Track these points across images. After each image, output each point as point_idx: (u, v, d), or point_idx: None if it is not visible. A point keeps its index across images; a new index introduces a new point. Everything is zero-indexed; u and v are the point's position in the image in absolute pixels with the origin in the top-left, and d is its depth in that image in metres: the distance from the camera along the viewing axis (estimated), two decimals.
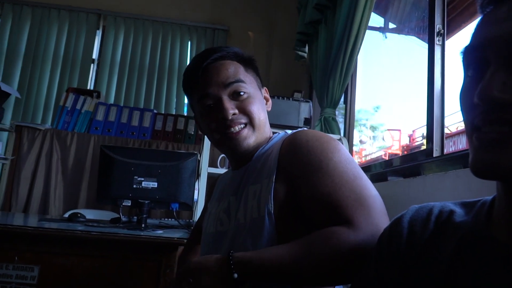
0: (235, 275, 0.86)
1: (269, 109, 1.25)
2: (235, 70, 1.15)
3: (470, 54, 0.60)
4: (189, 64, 1.22)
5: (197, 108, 1.19)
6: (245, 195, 1.10)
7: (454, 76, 1.95)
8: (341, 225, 0.89)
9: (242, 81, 1.14)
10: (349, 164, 0.99)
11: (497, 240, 0.59)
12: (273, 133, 1.25)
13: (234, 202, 1.15)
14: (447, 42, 1.95)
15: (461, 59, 0.62)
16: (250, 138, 1.14)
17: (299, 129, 1.14)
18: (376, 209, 0.91)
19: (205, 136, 2.38)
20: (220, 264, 0.89)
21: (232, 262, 0.87)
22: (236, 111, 1.11)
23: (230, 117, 1.10)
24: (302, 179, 0.99)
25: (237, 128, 1.12)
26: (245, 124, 1.13)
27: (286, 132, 1.19)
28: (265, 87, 1.27)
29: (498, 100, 0.53)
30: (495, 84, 0.53)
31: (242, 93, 1.13)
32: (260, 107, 1.16)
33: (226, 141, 1.14)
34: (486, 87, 0.54)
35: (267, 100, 1.25)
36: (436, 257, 0.65)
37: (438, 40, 1.94)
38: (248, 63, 1.21)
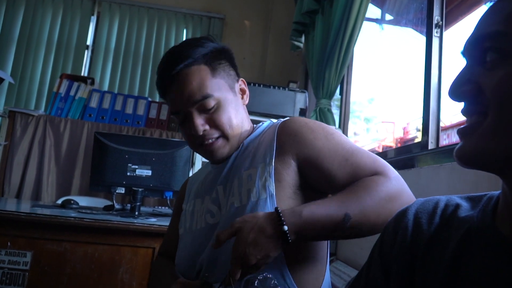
0: (285, 228, 0.89)
1: (246, 102, 1.23)
2: (200, 81, 1.10)
3: (464, 57, 0.63)
4: (158, 71, 1.17)
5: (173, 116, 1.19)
6: (238, 180, 1.11)
7: (451, 68, 1.95)
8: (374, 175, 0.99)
9: (208, 96, 1.10)
10: (346, 138, 1.09)
11: (502, 234, 0.59)
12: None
13: (222, 191, 1.15)
14: (444, 34, 1.95)
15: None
16: (224, 148, 1.15)
17: (288, 117, 1.18)
18: (386, 163, 1.03)
19: None
20: (269, 218, 0.91)
21: (282, 215, 0.90)
22: (207, 126, 1.11)
23: (201, 133, 1.10)
24: (314, 156, 1.04)
25: (210, 140, 1.13)
26: (218, 137, 1.13)
27: (271, 121, 1.22)
28: (241, 79, 1.23)
29: (464, 93, 0.59)
30: (463, 79, 0.59)
31: (210, 108, 1.11)
32: (233, 111, 1.15)
33: (202, 152, 1.17)
34: (453, 83, 0.60)
35: (243, 93, 1.23)
36: (441, 250, 0.65)
37: (436, 32, 1.93)
38: (217, 60, 1.15)
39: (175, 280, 1.09)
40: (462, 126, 0.60)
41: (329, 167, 1.02)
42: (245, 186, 1.08)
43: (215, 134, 1.12)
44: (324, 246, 1.14)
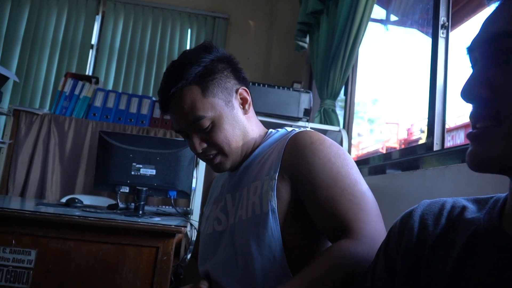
0: None
1: (249, 111, 1.21)
2: (192, 104, 1.10)
3: (468, 54, 0.62)
4: (158, 90, 1.19)
5: None
6: (246, 192, 1.12)
7: (457, 69, 1.94)
8: (341, 234, 0.94)
9: (200, 118, 1.10)
10: (350, 169, 1.03)
11: (509, 236, 0.59)
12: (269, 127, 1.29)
13: (230, 200, 1.17)
14: (450, 35, 1.94)
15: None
16: (224, 164, 1.17)
17: (302, 128, 1.17)
18: (373, 214, 0.97)
19: None
20: None
21: None
22: (205, 145, 1.14)
23: (199, 151, 1.14)
24: (306, 180, 1.02)
25: (210, 156, 1.16)
26: (217, 153, 1.16)
27: (286, 129, 1.22)
28: (242, 87, 1.20)
29: (478, 96, 0.56)
30: (478, 80, 0.57)
31: (205, 127, 1.12)
32: (229, 128, 1.14)
33: (207, 164, 1.20)
34: (467, 84, 0.57)
35: (245, 102, 1.20)
36: (447, 252, 0.65)
37: (442, 33, 1.93)
38: (210, 76, 1.13)
39: (197, 280, 1.14)
40: (473, 131, 0.58)
41: (315, 198, 1.00)
42: (251, 199, 1.09)
43: (213, 151, 1.15)
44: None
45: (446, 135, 1.94)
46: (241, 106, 1.19)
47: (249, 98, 1.21)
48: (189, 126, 1.12)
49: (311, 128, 2.64)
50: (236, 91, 1.18)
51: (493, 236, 0.61)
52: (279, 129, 1.24)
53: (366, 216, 0.96)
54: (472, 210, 0.68)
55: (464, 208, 0.69)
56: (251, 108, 1.23)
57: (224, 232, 1.15)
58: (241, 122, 1.17)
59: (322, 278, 0.87)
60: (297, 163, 1.04)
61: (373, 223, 0.95)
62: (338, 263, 0.88)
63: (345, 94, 3.22)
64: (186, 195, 2.26)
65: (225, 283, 1.08)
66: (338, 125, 2.90)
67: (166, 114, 1.19)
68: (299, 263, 1.02)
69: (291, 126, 2.59)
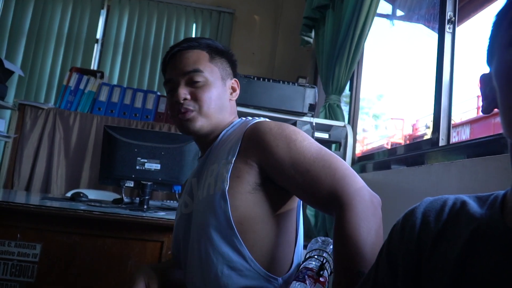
0: None
1: (234, 98, 1.34)
2: (197, 59, 1.25)
3: None
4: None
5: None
6: (205, 174, 1.20)
7: (464, 65, 1.93)
8: (333, 205, 1.00)
9: (199, 71, 1.24)
10: (310, 140, 1.12)
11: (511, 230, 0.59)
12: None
13: (195, 183, 1.25)
14: (457, 30, 1.93)
15: (509, 23, 0.59)
16: (196, 121, 1.23)
17: (259, 119, 1.25)
18: (345, 168, 1.05)
19: None
20: None
21: None
22: (189, 96, 1.23)
23: (181, 101, 1.21)
24: (277, 164, 1.09)
25: (186, 110, 1.22)
26: (193, 110, 1.23)
27: (247, 118, 1.30)
28: (235, 79, 1.35)
29: None
30: None
31: (198, 81, 1.23)
32: (215, 95, 1.25)
33: (177, 122, 1.26)
34: None
35: (233, 90, 1.33)
36: (449, 247, 0.65)
37: (449, 28, 1.92)
38: (218, 54, 1.30)
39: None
40: None
41: (290, 177, 1.07)
42: (208, 180, 1.16)
43: (191, 106, 1.22)
44: (290, 231, 1.19)
45: (451, 130, 1.93)
46: (230, 91, 1.33)
47: (238, 90, 1.35)
48: (184, 75, 1.24)
49: (316, 123, 2.64)
50: (231, 79, 1.34)
51: (496, 231, 0.61)
52: (243, 118, 1.32)
53: (342, 173, 1.02)
54: (473, 206, 0.68)
55: (466, 204, 0.69)
56: (234, 100, 1.36)
57: (190, 215, 1.23)
58: (225, 100, 1.29)
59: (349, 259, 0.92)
60: (262, 153, 1.11)
61: (348, 176, 1.02)
62: (351, 244, 0.92)
63: (350, 89, 3.21)
64: None
65: (189, 264, 1.18)
66: (343, 120, 2.89)
67: (165, 70, 1.31)
68: (256, 239, 1.10)
69: (295, 121, 2.59)
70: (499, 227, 0.61)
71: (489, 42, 0.64)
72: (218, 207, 1.09)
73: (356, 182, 1.01)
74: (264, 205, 1.12)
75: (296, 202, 1.22)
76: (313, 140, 1.13)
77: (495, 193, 0.69)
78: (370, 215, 0.96)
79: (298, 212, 1.24)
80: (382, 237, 0.92)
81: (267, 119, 1.23)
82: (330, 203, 1.01)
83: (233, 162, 1.12)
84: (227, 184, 1.10)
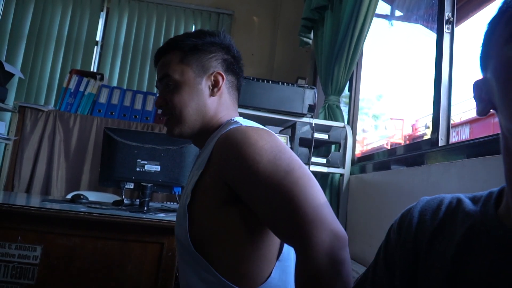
0: None
1: (215, 95, 1.24)
2: (167, 63, 1.23)
3: None
4: None
5: None
6: (187, 180, 1.20)
7: (462, 65, 1.93)
8: (292, 244, 0.95)
9: (167, 75, 1.21)
10: (278, 161, 0.99)
11: (506, 226, 0.60)
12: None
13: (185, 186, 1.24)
14: (455, 30, 1.93)
15: (505, 22, 0.60)
16: (172, 128, 1.22)
17: (234, 125, 1.12)
18: (310, 201, 0.92)
19: None
20: None
21: None
22: (164, 102, 1.22)
23: (158, 107, 1.24)
24: (237, 184, 1.02)
25: (165, 117, 1.24)
26: (169, 116, 1.22)
27: (231, 120, 1.19)
28: (217, 71, 1.24)
29: None
30: None
31: (169, 85, 1.21)
32: (187, 97, 1.20)
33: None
34: None
35: (216, 85, 1.23)
36: (445, 244, 0.66)
37: (447, 28, 1.92)
38: (195, 50, 1.23)
39: None
40: None
41: (250, 200, 1.00)
42: (184, 189, 1.17)
43: (167, 110, 1.22)
44: (267, 245, 1.08)
45: (451, 130, 1.93)
46: (210, 87, 1.23)
47: (221, 84, 1.24)
48: (159, 81, 1.24)
49: (315, 124, 2.64)
50: (211, 73, 1.23)
51: (490, 227, 0.62)
52: (234, 119, 1.21)
53: (302, 216, 0.90)
54: (468, 204, 0.69)
55: (461, 202, 0.70)
56: (223, 95, 1.25)
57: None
58: (201, 99, 1.21)
59: None
60: (225, 167, 1.04)
61: (309, 222, 0.89)
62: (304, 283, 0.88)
63: (350, 90, 3.21)
64: None
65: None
66: (343, 121, 2.90)
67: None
68: (220, 254, 1.05)
69: (295, 122, 2.59)
70: (493, 224, 0.62)
71: (482, 49, 0.65)
72: (182, 220, 1.09)
73: (315, 227, 0.88)
74: (230, 222, 1.05)
75: None
76: (285, 157, 1.01)
77: (489, 190, 0.70)
78: (322, 270, 0.86)
79: None
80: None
81: (246, 125, 1.12)
82: (288, 241, 0.97)
83: (199, 175, 1.08)
84: (188, 199, 1.08)
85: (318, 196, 0.94)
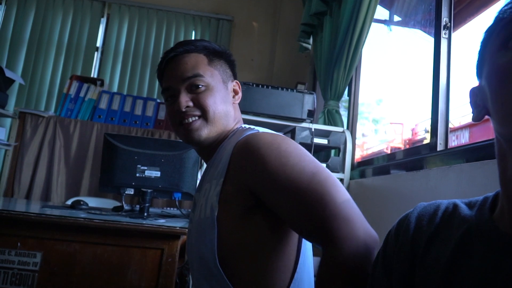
0: None
1: (237, 102, 1.27)
2: (196, 63, 1.18)
3: None
4: (162, 56, 1.27)
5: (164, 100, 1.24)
6: (203, 191, 1.15)
7: (460, 70, 1.94)
8: (320, 241, 0.91)
9: (199, 75, 1.17)
10: (303, 163, 0.99)
11: (501, 231, 0.61)
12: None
13: (198, 198, 1.19)
14: (453, 35, 1.94)
15: (499, 30, 0.61)
16: (201, 130, 1.16)
17: (251, 131, 1.13)
18: (338, 197, 0.92)
19: None
20: None
21: None
22: (191, 103, 1.16)
23: (183, 109, 1.14)
24: (266, 190, 1.00)
25: (190, 119, 1.16)
26: (198, 117, 1.16)
27: (244, 127, 1.21)
28: (236, 81, 1.28)
29: None
30: None
31: (199, 86, 1.16)
32: (219, 100, 1.18)
33: (180, 131, 1.19)
34: None
35: (235, 93, 1.27)
36: (441, 248, 0.67)
37: (445, 33, 1.93)
38: (217, 56, 1.23)
39: None
40: None
41: (277, 202, 0.98)
42: (201, 200, 1.12)
43: (197, 112, 1.16)
44: (287, 254, 1.07)
45: (450, 135, 1.94)
46: (232, 94, 1.26)
47: (240, 92, 1.28)
48: (184, 81, 1.17)
49: (314, 129, 2.65)
50: (232, 81, 1.27)
51: (486, 231, 0.63)
52: (242, 126, 1.23)
53: (333, 211, 0.90)
54: (464, 209, 0.70)
55: (458, 207, 0.71)
56: (237, 104, 1.29)
57: (191, 231, 1.19)
58: (228, 104, 1.22)
59: None
60: (251, 173, 1.02)
61: (341, 216, 0.89)
62: (335, 278, 0.86)
63: (349, 95, 3.22)
64: (191, 196, 2.27)
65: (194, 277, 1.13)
66: (342, 126, 2.90)
67: (162, 76, 1.24)
68: (242, 269, 1.03)
69: (294, 127, 2.60)
70: (488, 228, 0.63)
71: (479, 56, 0.66)
72: (207, 234, 1.03)
73: (348, 223, 0.88)
74: (256, 231, 1.03)
75: None
76: (309, 159, 1.01)
77: (484, 196, 0.70)
78: (357, 266, 0.85)
79: (300, 238, 1.12)
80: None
81: (263, 131, 1.14)
82: (317, 240, 0.93)
83: (221, 183, 1.05)
84: (216, 210, 1.03)
85: (347, 195, 0.95)
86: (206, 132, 1.16)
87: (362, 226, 0.89)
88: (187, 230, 1.34)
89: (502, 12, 0.60)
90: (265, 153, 1.00)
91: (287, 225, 1.03)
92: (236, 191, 1.03)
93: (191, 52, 1.20)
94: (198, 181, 2.35)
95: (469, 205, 0.71)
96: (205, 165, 2.57)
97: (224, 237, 1.02)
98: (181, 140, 1.31)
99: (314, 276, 1.09)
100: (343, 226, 0.87)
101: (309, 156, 1.03)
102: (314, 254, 1.22)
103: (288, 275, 1.06)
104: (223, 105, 1.19)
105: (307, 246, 1.14)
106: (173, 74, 1.18)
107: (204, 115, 1.16)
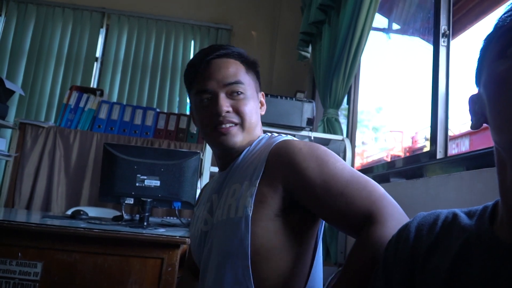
0: None
1: (263, 113, 1.29)
2: (236, 70, 1.19)
3: None
4: (193, 57, 1.25)
5: (194, 100, 1.22)
6: (226, 193, 1.15)
7: (459, 77, 1.95)
8: (364, 222, 0.95)
9: (241, 82, 1.17)
10: (342, 163, 1.06)
11: (501, 241, 0.60)
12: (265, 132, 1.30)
13: (216, 200, 1.20)
14: (452, 43, 1.95)
15: (498, 37, 0.61)
16: (237, 136, 1.17)
17: (284, 136, 1.19)
18: (380, 189, 1.01)
19: None
20: None
21: None
22: (230, 109, 1.16)
23: (223, 114, 1.14)
24: (307, 187, 1.02)
25: (227, 125, 1.16)
26: (236, 124, 1.17)
27: (272, 135, 1.24)
28: (262, 92, 1.31)
29: None
30: None
31: (239, 93, 1.17)
32: (254, 109, 1.20)
33: (215, 135, 1.17)
34: None
35: (262, 105, 1.29)
36: (441, 258, 0.66)
37: (444, 41, 1.94)
38: (250, 66, 1.24)
39: None
40: None
41: (322, 201, 1.01)
42: (228, 201, 1.11)
43: (235, 119, 1.16)
44: (305, 259, 1.12)
45: (450, 143, 1.94)
46: (259, 105, 1.28)
47: (265, 104, 1.31)
48: (225, 86, 1.17)
49: (314, 137, 2.65)
50: (259, 92, 1.29)
51: (485, 241, 0.62)
52: (268, 134, 1.26)
53: (378, 195, 0.98)
54: (464, 218, 0.70)
55: (457, 216, 0.71)
56: (263, 112, 1.31)
57: (207, 232, 1.17)
58: (259, 114, 1.25)
59: (363, 272, 0.87)
60: (291, 173, 1.05)
61: (385, 198, 0.98)
62: (374, 251, 0.88)
63: (348, 103, 3.23)
64: (191, 205, 2.26)
65: (211, 281, 1.10)
66: (342, 134, 2.90)
67: (196, 77, 1.20)
68: (268, 271, 1.04)
69: (294, 135, 2.60)
70: (488, 238, 0.62)
71: (478, 64, 0.66)
72: (238, 233, 1.04)
73: (394, 205, 0.97)
74: (284, 233, 1.06)
75: (317, 228, 1.15)
76: (344, 161, 1.07)
77: (485, 204, 0.70)
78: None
79: (318, 238, 1.16)
80: None
81: (294, 138, 1.18)
82: (361, 224, 0.96)
83: (257, 185, 1.06)
84: (251, 210, 1.04)
85: (374, 182, 1.03)
86: (240, 139, 1.17)
87: (399, 209, 0.98)
88: (188, 237, 1.33)
89: (501, 20, 0.61)
90: (306, 154, 1.05)
91: (311, 230, 1.10)
92: (273, 192, 1.05)
93: (231, 57, 1.21)
94: (198, 190, 2.35)
95: (469, 214, 0.71)
96: (205, 174, 2.58)
97: (254, 237, 1.03)
98: (180, 149, 1.31)
99: (324, 285, 1.14)
100: (389, 206, 0.96)
101: (343, 160, 1.09)
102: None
103: (303, 281, 1.10)
104: (256, 115, 1.22)
105: (319, 256, 1.17)
106: (214, 77, 1.17)
107: (242, 123, 1.17)
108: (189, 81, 1.24)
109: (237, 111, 1.16)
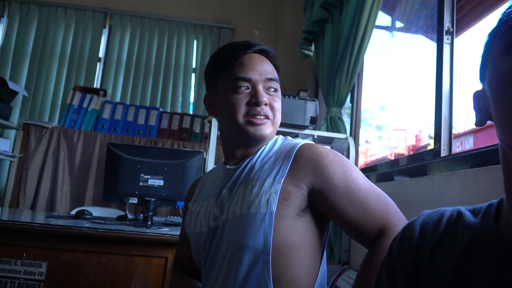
0: None
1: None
2: (273, 69, 1.26)
3: None
4: (229, 45, 1.27)
5: (228, 86, 1.21)
6: (243, 189, 1.15)
7: (463, 75, 1.94)
8: (378, 233, 1.06)
9: (277, 80, 1.25)
10: (362, 174, 1.14)
11: (506, 238, 0.60)
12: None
13: (228, 196, 1.19)
14: (456, 41, 1.94)
15: (502, 33, 0.61)
16: (267, 129, 1.19)
17: (301, 140, 1.24)
18: (394, 204, 1.12)
19: (211, 135, 2.38)
20: None
21: None
22: (268, 102, 1.20)
23: (262, 105, 1.17)
24: (332, 189, 1.08)
25: (262, 117, 1.18)
26: (268, 118, 1.20)
27: (286, 137, 1.29)
28: None
29: None
30: None
31: (275, 90, 1.23)
32: (280, 108, 1.25)
33: (247, 125, 1.18)
34: None
35: None
36: (446, 256, 0.66)
37: (447, 39, 1.93)
38: (277, 70, 1.30)
39: None
40: None
41: (342, 206, 1.08)
42: (248, 197, 1.12)
43: (269, 113, 1.19)
44: (315, 260, 1.15)
45: (454, 140, 1.93)
46: None
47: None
48: (265, 81, 1.21)
49: (317, 136, 2.65)
50: None
51: (491, 239, 0.62)
52: (284, 137, 1.30)
53: (393, 210, 1.09)
54: (469, 216, 0.70)
55: (462, 215, 0.70)
56: None
57: (217, 228, 1.17)
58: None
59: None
60: (317, 175, 1.09)
61: (399, 213, 1.09)
62: None
63: (351, 101, 3.22)
64: None
65: (219, 279, 1.11)
66: (345, 132, 2.90)
67: (236, 60, 1.21)
68: (286, 269, 1.07)
69: (297, 134, 2.60)
70: (493, 235, 0.62)
71: (482, 60, 0.66)
72: (261, 228, 1.06)
73: (405, 221, 1.05)
74: (302, 233, 1.10)
75: (326, 228, 1.19)
76: (361, 172, 1.15)
77: (489, 202, 0.70)
78: None
79: (325, 241, 1.20)
80: None
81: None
82: (375, 234, 1.05)
83: (282, 182, 1.10)
84: (275, 206, 1.07)
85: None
86: (269, 132, 1.20)
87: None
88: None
89: (505, 15, 0.60)
90: (333, 159, 1.12)
91: (322, 230, 1.16)
92: (297, 191, 1.10)
93: (268, 56, 1.27)
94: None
95: (474, 212, 0.70)
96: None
97: (276, 234, 1.06)
98: (184, 149, 1.31)
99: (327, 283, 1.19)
100: (402, 221, 1.07)
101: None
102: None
103: (313, 278, 1.14)
104: (281, 113, 1.26)
105: (325, 259, 1.21)
106: (257, 68, 1.21)
107: (273, 118, 1.21)
108: (224, 65, 1.23)
109: (271, 107, 1.20)
